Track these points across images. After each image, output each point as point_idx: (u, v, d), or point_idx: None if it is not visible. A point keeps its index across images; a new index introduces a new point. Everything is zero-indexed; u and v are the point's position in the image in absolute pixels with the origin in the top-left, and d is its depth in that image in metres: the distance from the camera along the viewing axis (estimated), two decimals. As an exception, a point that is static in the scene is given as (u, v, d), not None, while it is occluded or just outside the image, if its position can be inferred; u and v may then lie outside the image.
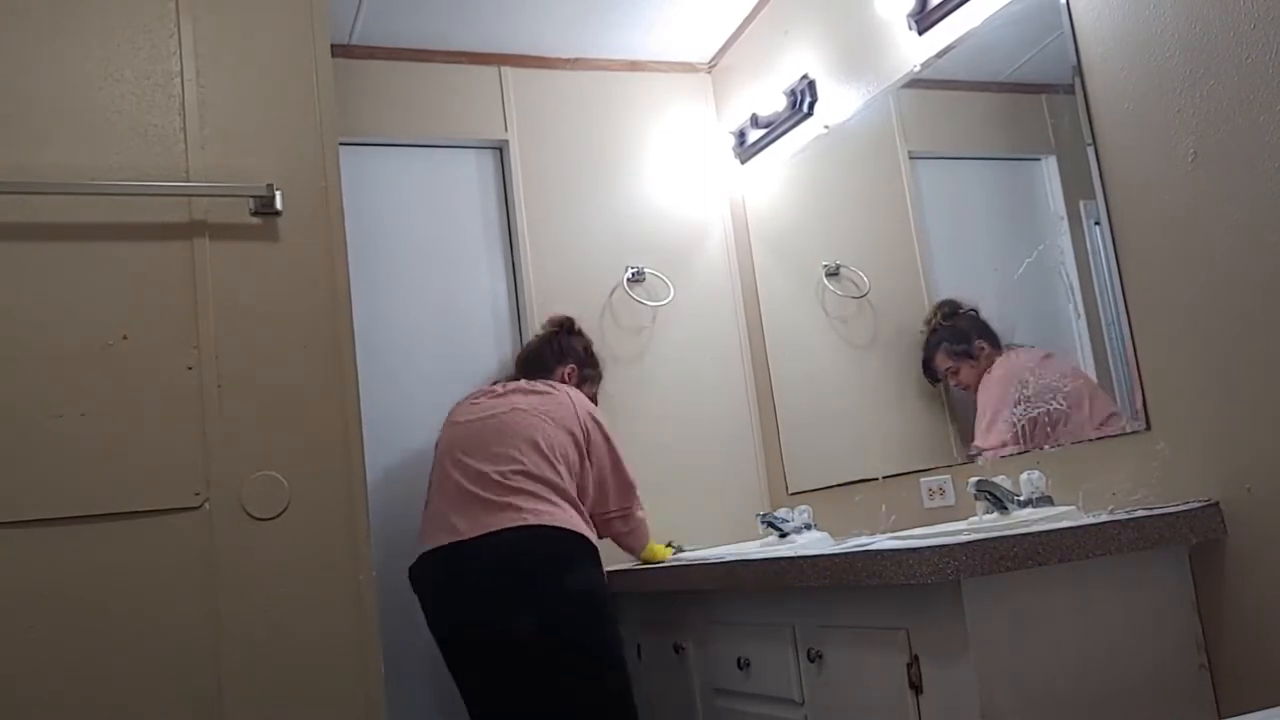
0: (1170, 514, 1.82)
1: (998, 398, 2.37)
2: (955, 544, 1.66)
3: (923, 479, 2.57)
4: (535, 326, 3.15)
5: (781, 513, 2.82)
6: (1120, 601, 1.81)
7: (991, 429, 2.37)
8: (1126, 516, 1.85)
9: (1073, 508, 2.01)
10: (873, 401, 2.83)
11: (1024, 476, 2.11)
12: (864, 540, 2.15)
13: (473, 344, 3.16)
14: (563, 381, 2.74)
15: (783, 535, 2.73)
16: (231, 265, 2.10)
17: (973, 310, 2.48)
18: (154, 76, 2.12)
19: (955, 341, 2.49)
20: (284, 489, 2.05)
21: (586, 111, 3.37)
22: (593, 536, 2.47)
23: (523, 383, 2.69)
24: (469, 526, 2.38)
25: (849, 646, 1.96)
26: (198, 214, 2.10)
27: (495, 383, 2.81)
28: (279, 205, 2.11)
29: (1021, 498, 2.07)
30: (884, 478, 2.73)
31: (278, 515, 2.04)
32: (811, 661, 2.04)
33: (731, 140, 3.35)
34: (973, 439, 2.45)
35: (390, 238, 3.12)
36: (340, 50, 3.00)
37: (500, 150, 3.29)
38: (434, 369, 3.09)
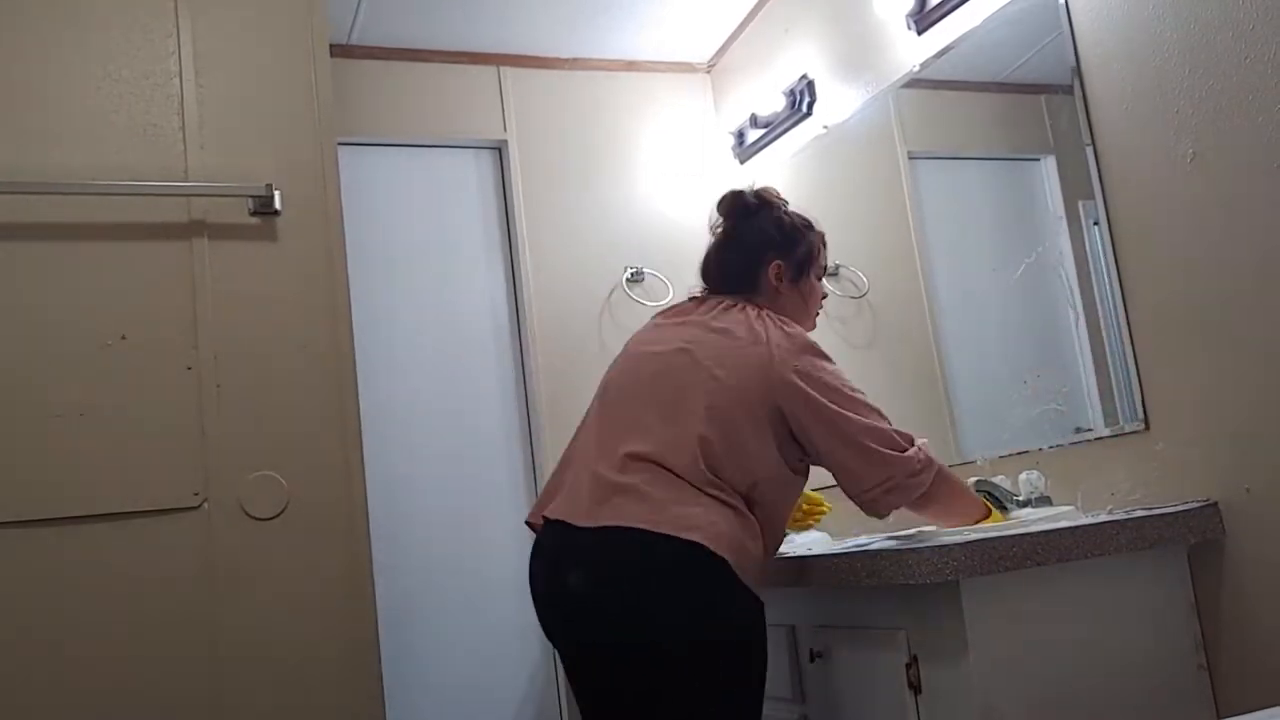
0: (1169, 514, 1.82)
1: None
2: (954, 544, 1.66)
3: (922, 479, 2.56)
4: (535, 326, 3.16)
5: (781, 513, 2.82)
6: (1119, 601, 1.81)
7: None
8: (1125, 516, 1.85)
9: (1071, 508, 2.01)
10: (872, 401, 2.82)
11: (1023, 476, 2.11)
12: (863, 540, 2.15)
13: (472, 344, 3.17)
14: (772, 288, 1.91)
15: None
16: (230, 265, 2.10)
17: None
18: (153, 76, 2.12)
19: None
20: (283, 489, 2.05)
21: (586, 111, 3.37)
22: (737, 547, 1.65)
23: (720, 311, 1.85)
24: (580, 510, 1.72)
25: (848, 646, 1.96)
26: (197, 214, 2.10)
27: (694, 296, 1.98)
28: (278, 205, 2.12)
29: (1020, 498, 2.07)
30: (883, 478, 2.73)
31: (277, 515, 2.05)
32: (811, 661, 2.04)
33: (731, 140, 3.35)
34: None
35: (389, 238, 3.12)
36: (339, 50, 3.00)
37: (499, 150, 3.29)
38: (433, 369, 3.09)
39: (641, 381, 1.80)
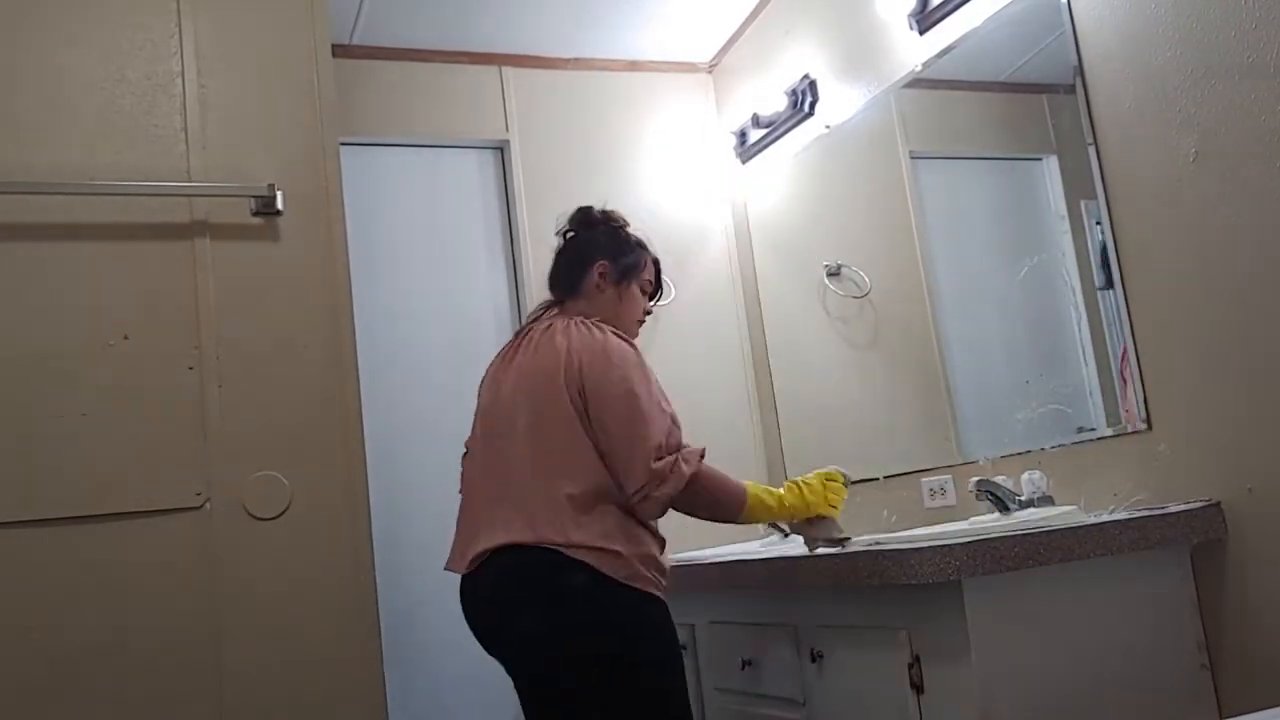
0: (1171, 514, 1.82)
1: None
2: (956, 544, 1.66)
3: (924, 479, 2.57)
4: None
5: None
6: (1121, 601, 1.81)
7: None
8: (1128, 516, 1.85)
9: (1074, 508, 2.01)
10: (874, 401, 2.83)
11: (1025, 476, 2.11)
12: (864, 540, 2.15)
13: (473, 344, 3.16)
14: (595, 289, 2.03)
15: (785, 535, 2.72)
16: (232, 265, 2.10)
17: None
18: (155, 77, 2.12)
19: None
20: (285, 489, 2.05)
21: (587, 111, 3.37)
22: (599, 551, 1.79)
23: (545, 330, 1.99)
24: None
25: (850, 646, 1.96)
26: (199, 214, 2.10)
27: (526, 324, 2.14)
28: (280, 205, 2.12)
29: (1023, 498, 2.07)
30: (885, 477, 2.73)
31: (278, 515, 2.05)
32: (813, 661, 2.04)
33: (732, 140, 3.35)
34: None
35: (391, 238, 3.13)
36: (341, 50, 3.00)
37: (501, 150, 3.29)
38: (435, 368, 3.09)
39: (493, 414, 2.00)
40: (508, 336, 3.16)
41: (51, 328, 1.98)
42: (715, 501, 1.90)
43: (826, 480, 2.02)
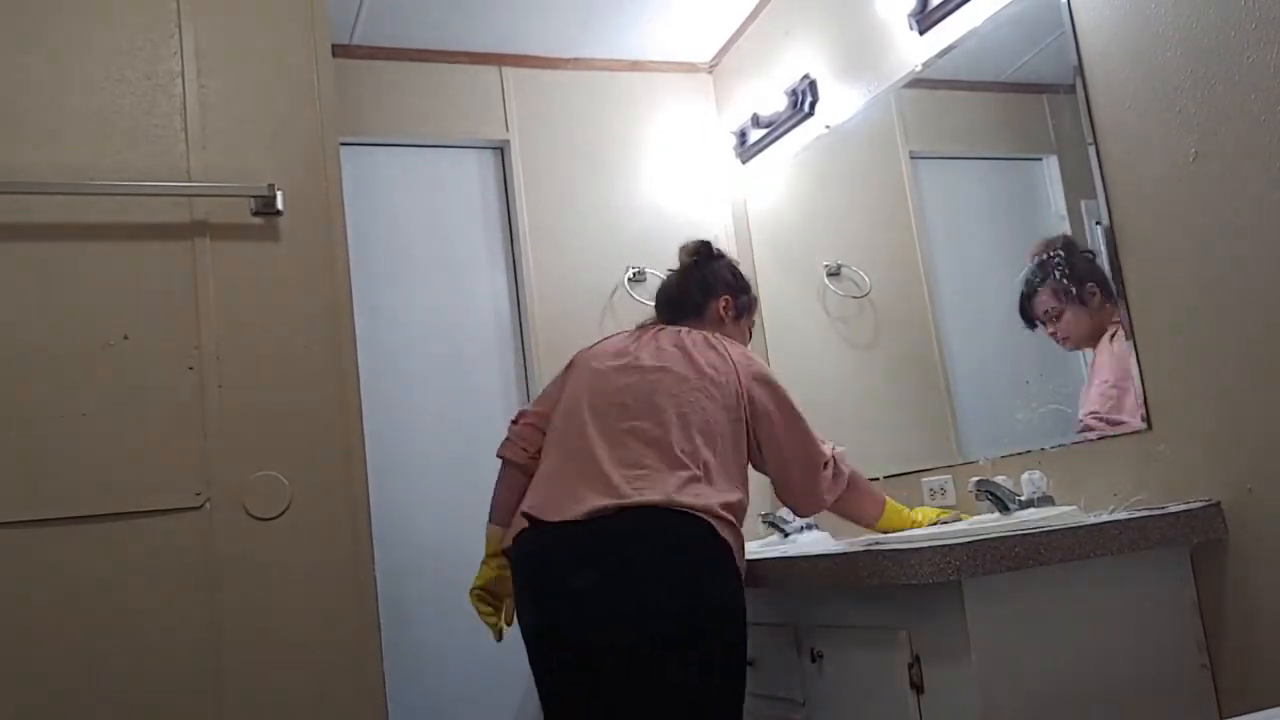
0: (1171, 514, 1.82)
1: (1124, 371, 2.03)
2: (956, 544, 1.66)
3: (924, 479, 2.57)
4: (537, 326, 3.16)
5: (783, 512, 2.82)
6: (1121, 601, 1.81)
7: (1111, 403, 2.08)
8: (1128, 516, 1.85)
9: (1074, 508, 2.01)
10: (874, 401, 2.83)
11: (1025, 476, 2.10)
12: (865, 540, 2.15)
13: (474, 344, 3.17)
14: (717, 319, 2.20)
15: (785, 535, 2.72)
16: (232, 265, 2.10)
17: (1089, 253, 2.11)
18: (155, 77, 2.12)
19: (1067, 280, 2.10)
20: (285, 489, 2.05)
21: (587, 112, 3.37)
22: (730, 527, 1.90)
23: (680, 334, 2.11)
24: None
25: (850, 646, 1.96)
26: (199, 214, 2.10)
27: (643, 324, 2.24)
28: (280, 205, 2.12)
29: (1023, 497, 2.07)
30: (885, 477, 2.73)
31: (278, 515, 2.05)
32: (813, 661, 2.04)
33: (732, 140, 3.35)
34: (1084, 408, 2.16)
35: (391, 238, 3.13)
36: (341, 50, 3.00)
37: (501, 150, 3.29)
38: (435, 369, 3.09)
39: (630, 388, 2.02)
40: (508, 336, 3.20)
41: (51, 328, 1.98)
42: (860, 506, 2.18)
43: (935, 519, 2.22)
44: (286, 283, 2.13)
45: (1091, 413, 2.13)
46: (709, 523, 1.84)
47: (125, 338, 2.02)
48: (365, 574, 2.08)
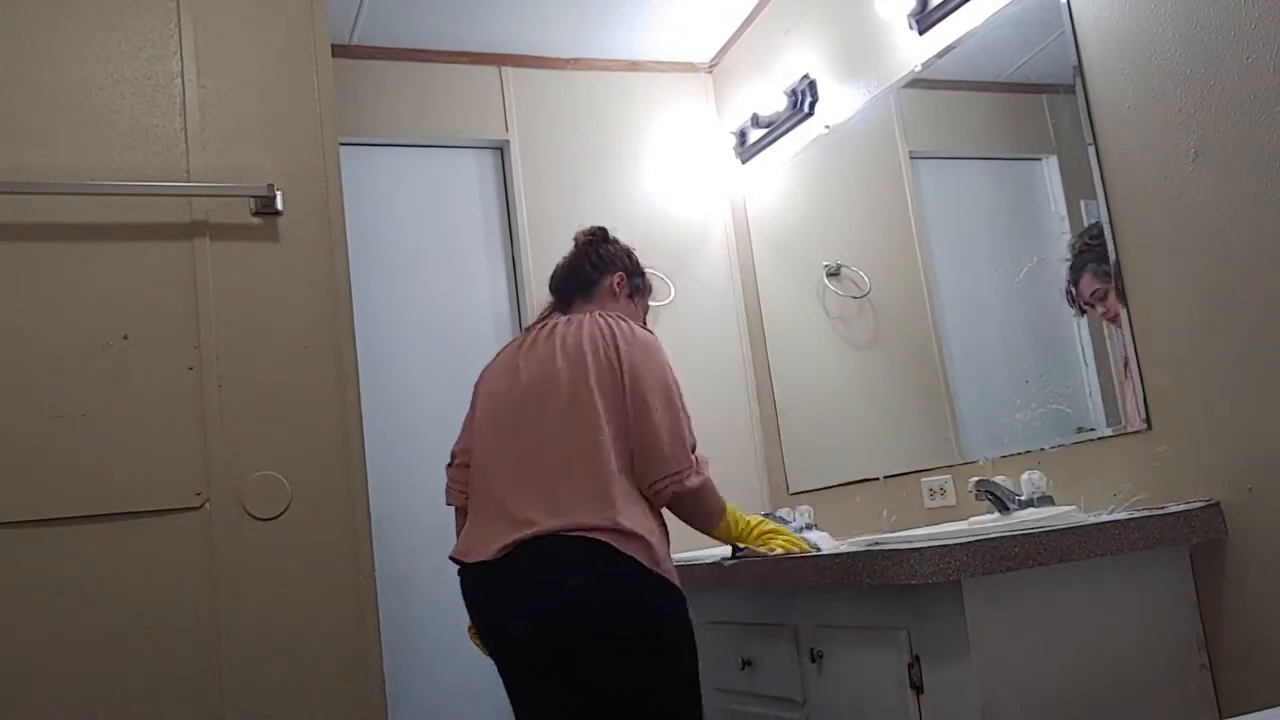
0: (1171, 514, 1.82)
1: None
2: (956, 544, 1.66)
3: (924, 479, 2.57)
4: (536, 326, 3.15)
5: (783, 513, 2.82)
6: (1121, 601, 1.81)
7: None
8: (1127, 516, 1.85)
9: (1074, 508, 2.01)
10: (874, 401, 2.83)
11: (1025, 476, 2.10)
12: (865, 540, 2.15)
13: (473, 344, 3.16)
14: (610, 293, 2.18)
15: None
16: (232, 265, 2.10)
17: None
18: (155, 77, 2.12)
19: (1108, 261, 2.09)
20: (284, 489, 2.05)
21: (587, 112, 3.37)
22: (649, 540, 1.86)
23: (566, 324, 2.05)
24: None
25: (850, 646, 1.96)
26: (198, 214, 2.10)
27: (532, 325, 2.20)
28: (280, 205, 2.12)
29: (1022, 497, 2.07)
30: (885, 478, 2.73)
31: (278, 515, 2.05)
32: (813, 661, 2.04)
33: (732, 140, 3.35)
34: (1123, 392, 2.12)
35: (391, 238, 3.13)
36: (341, 50, 3.00)
37: (501, 150, 3.29)
38: (434, 368, 3.09)
39: (522, 419, 1.97)
40: (508, 336, 3.19)
41: (51, 328, 1.98)
42: (710, 502, 2.03)
43: (771, 532, 2.13)
44: (286, 283, 2.13)
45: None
46: (607, 544, 1.80)
47: (125, 338, 2.02)
48: (365, 574, 2.08)
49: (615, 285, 2.19)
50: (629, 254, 2.28)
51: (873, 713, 1.89)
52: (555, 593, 1.81)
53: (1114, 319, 2.11)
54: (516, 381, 2.01)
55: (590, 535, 1.81)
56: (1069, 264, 2.22)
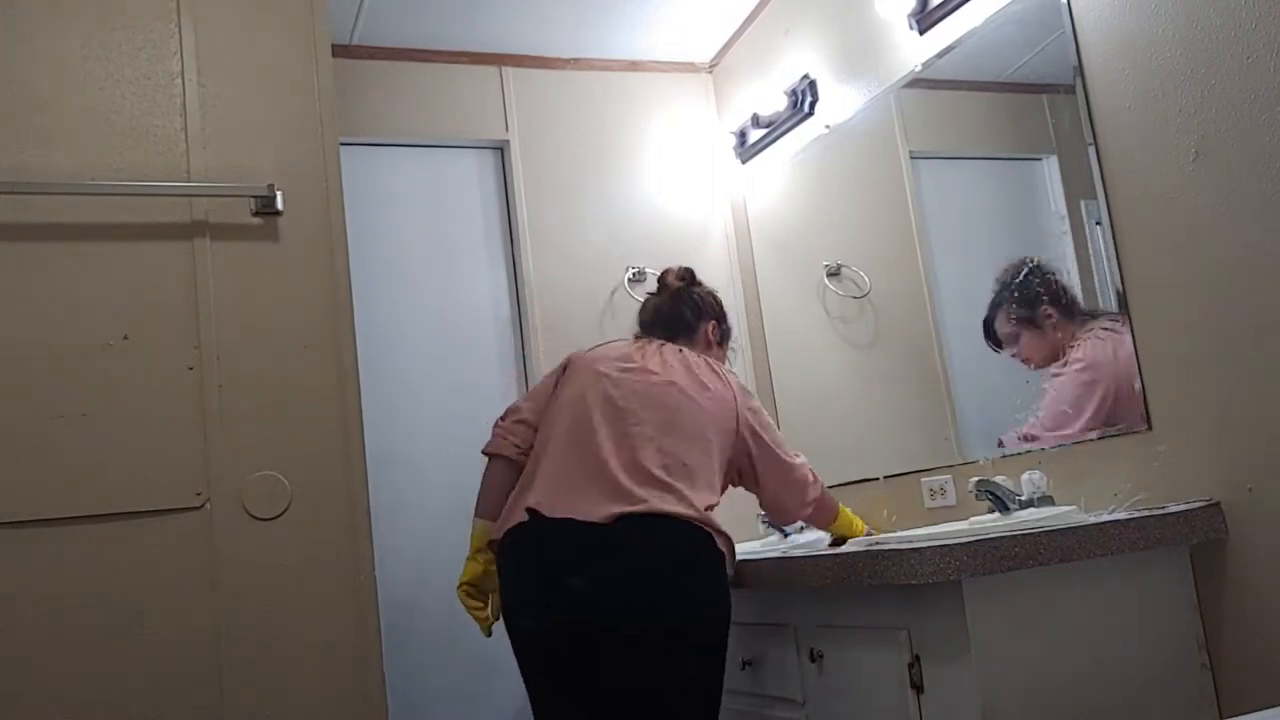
0: (1171, 514, 1.82)
1: (1076, 396, 2.12)
2: (956, 544, 1.66)
3: (924, 479, 2.57)
4: (536, 326, 3.16)
5: (783, 513, 2.82)
6: (1121, 601, 1.81)
7: (1061, 425, 2.16)
8: (1127, 516, 1.85)
9: (1074, 508, 2.01)
10: (874, 401, 2.83)
11: (1025, 476, 2.10)
12: (865, 540, 2.15)
13: (473, 344, 3.17)
14: (706, 342, 2.32)
15: (784, 535, 2.73)
16: (232, 265, 2.10)
17: (1051, 272, 2.18)
18: (155, 77, 2.12)
19: (1019, 305, 2.17)
20: (285, 489, 2.05)
21: (587, 111, 3.37)
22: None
23: (682, 352, 2.21)
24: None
25: (850, 646, 1.96)
26: (199, 214, 2.10)
27: (636, 336, 2.34)
28: (280, 205, 2.12)
29: (1023, 497, 2.07)
30: (885, 477, 2.73)
31: (278, 515, 2.05)
32: (813, 661, 2.04)
33: (732, 140, 3.35)
34: (1028, 429, 2.23)
35: (391, 238, 3.13)
36: (341, 50, 3.00)
37: (501, 150, 3.29)
38: (435, 369, 3.09)
39: (648, 398, 2.08)
40: (508, 336, 3.19)
41: (51, 328, 1.98)
42: (829, 506, 2.33)
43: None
44: (286, 283, 2.13)
45: (1034, 427, 2.23)
46: (709, 533, 1.95)
47: (125, 338, 2.02)
48: (365, 574, 2.08)
49: (710, 333, 2.35)
50: (716, 297, 2.44)
51: (873, 713, 1.89)
52: (662, 581, 1.90)
53: (1027, 362, 2.17)
54: (647, 375, 2.12)
55: (694, 521, 1.93)
56: (991, 301, 2.30)
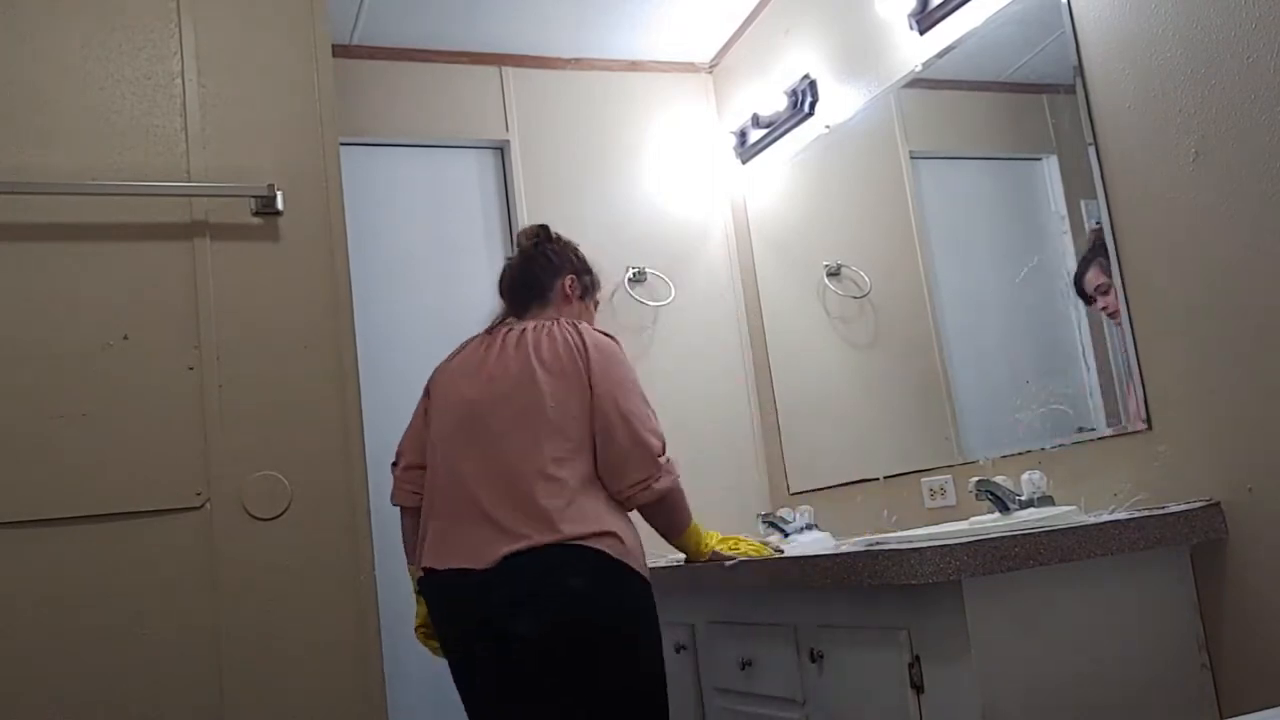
0: (1171, 514, 1.82)
1: None
2: (957, 544, 1.66)
3: (924, 479, 2.57)
4: (536, 326, 3.15)
5: (783, 513, 2.82)
6: (1122, 601, 1.81)
7: None
8: (1128, 516, 1.85)
9: (1074, 508, 2.01)
10: (874, 401, 2.83)
11: (1025, 476, 2.10)
12: (865, 540, 2.15)
13: (474, 344, 3.16)
14: (564, 297, 2.18)
15: (784, 535, 2.73)
16: (233, 265, 2.10)
17: None
18: (155, 77, 2.12)
19: (1109, 259, 2.11)
20: (285, 489, 2.06)
21: (587, 112, 3.37)
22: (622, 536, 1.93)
23: (523, 334, 2.07)
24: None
25: (850, 646, 1.96)
26: (199, 214, 2.10)
27: (493, 328, 2.20)
28: (280, 205, 2.12)
29: (1023, 497, 2.07)
30: (885, 478, 2.73)
31: (278, 515, 2.05)
32: (813, 661, 2.04)
33: (732, 140, 3.35)
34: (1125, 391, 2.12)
35: (391, 238, 3.13)
36: (341, 50, 3.00)
37: (501, 150, 3.29)
38: (434, 368, 3.08)
39: (503, 415, 1.97)
40: (508, 336, 3.19)
41: (51, 328, 1.98)
42: (680, 509, 2.09)
43: (733, 543, 2.21)
44: (286, 283, 2.13)
45: None
46: (597, 550, 1.86)
47: (125, 338, 2.02)
48: (364, 574, 2.08)
49: (568, 288, 2.18)
50: (576, 251, 2.26)
51: (873, 713, 1.89)
52: (560, 594, 1.84)
53: (1113, 315, 2.12)
54: (490, 388, 2.00)
55: (583, 544, 1.85)
56: (1081, 257, 2.21)
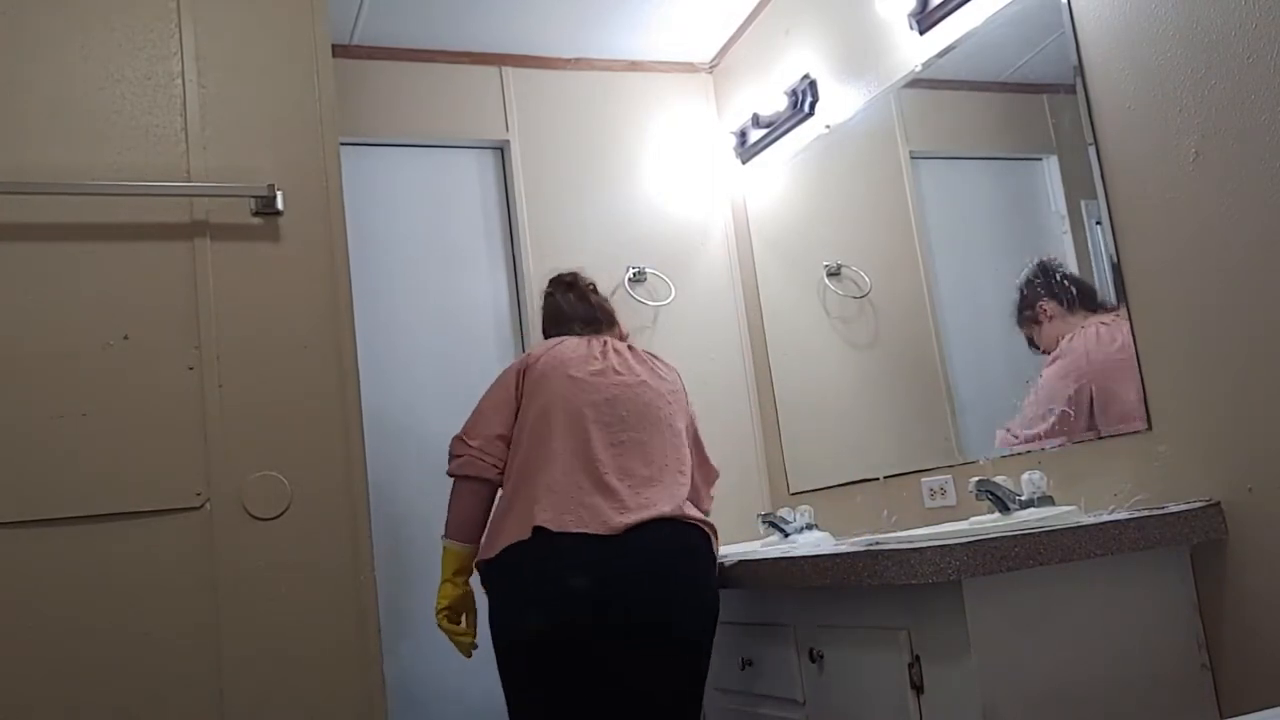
0: (1171, 514, 1.82)
1: (1049, 391, 2.22)
2: (956, 544, 1.66)
3: (924, 479, 2.57)
4: (537, 326, 3.14)
5: (783, 513, 2.82)
6: (1121, 601, 1.81)
7: (1034, 421, 2.24)
8: (1128, 516, 1.85)
9: (1074, 508, 2.01)
10: (874, 401, 2.83)
11: (1025, 476, 2.10)
12: (865, 540, 2.15)
13: (473, 344, 3.16)
14: (621, 335, 2.45)
15: (785, 535, 2.73)
16: (233, 265, 2.10)
17: (1056, 268, 2.23)
18: (155, 77, 2.12)
19: (1021, 308, 2.32)
20: (285, 489, 2.05)
21: (587, 112, 3.37)
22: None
23: (631, 349, 2.34)
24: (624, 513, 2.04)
25: (850, 646, 1.96)
26: (199, 214, 2.10)
27: (580, 335, 2.35)
28: (280, 205, 2.12)
29: (1023, 498, 2.07)
30: (885, 478, 2.73)
31: (278, 515, 2.05)
32: (813, 661, 2.04)
33: (732, 140, 3.35)
34: (1011, 427, 2.32)
35: (391, 238, 3.13)
36: (341, 50, 3.00)
37: (501, 150, 3.29)
38: (434, 369, 3.09)
39: (630, 402, 2.19)
40: (508, 335, 3.19)
41: (51, 328, 1.98)
42: None
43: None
44: (286, 283, 2.13)
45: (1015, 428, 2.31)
46: (705, 532, 2.10)
47: (125, 338, 2.02)
48: (365, 574, 2.08)
49: (623, 326, 2.48)
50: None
51: (873, 713, 1.89)
52: (694, 577, 2.06)
53: (1046, 352, 2.25)
54: (617, 377, 2.21)
55: (693, 521, 2.08)
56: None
